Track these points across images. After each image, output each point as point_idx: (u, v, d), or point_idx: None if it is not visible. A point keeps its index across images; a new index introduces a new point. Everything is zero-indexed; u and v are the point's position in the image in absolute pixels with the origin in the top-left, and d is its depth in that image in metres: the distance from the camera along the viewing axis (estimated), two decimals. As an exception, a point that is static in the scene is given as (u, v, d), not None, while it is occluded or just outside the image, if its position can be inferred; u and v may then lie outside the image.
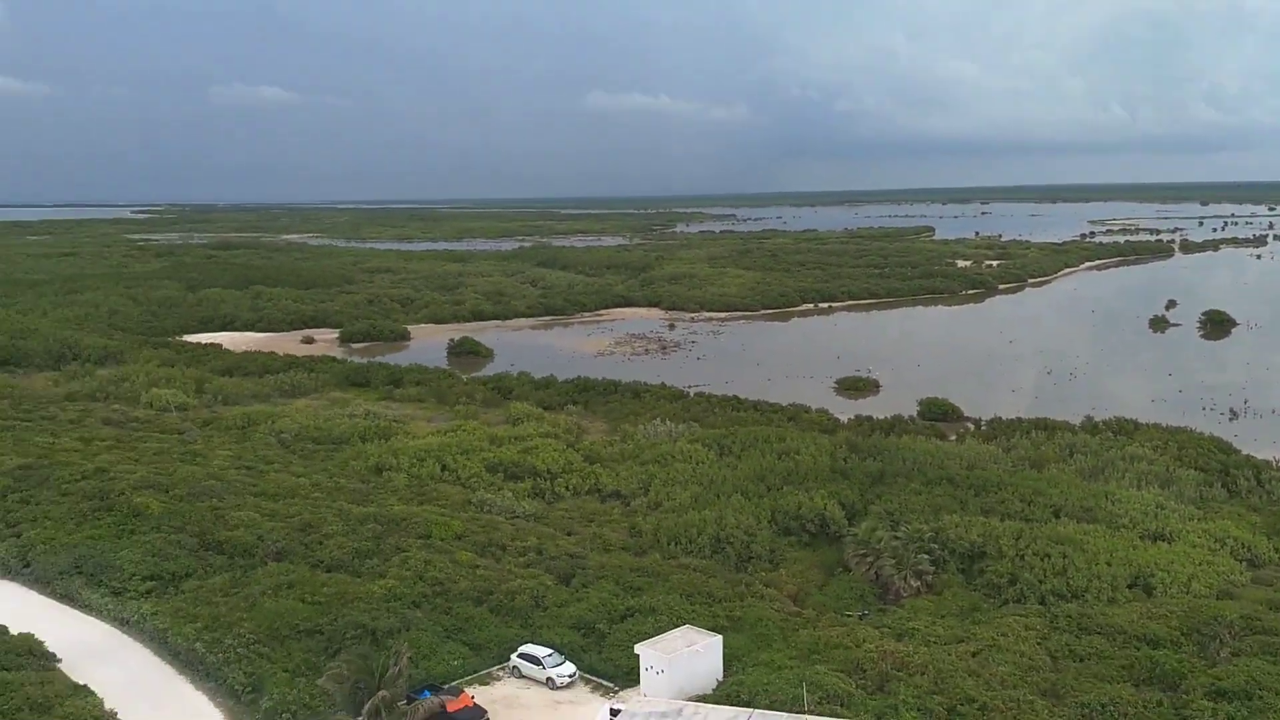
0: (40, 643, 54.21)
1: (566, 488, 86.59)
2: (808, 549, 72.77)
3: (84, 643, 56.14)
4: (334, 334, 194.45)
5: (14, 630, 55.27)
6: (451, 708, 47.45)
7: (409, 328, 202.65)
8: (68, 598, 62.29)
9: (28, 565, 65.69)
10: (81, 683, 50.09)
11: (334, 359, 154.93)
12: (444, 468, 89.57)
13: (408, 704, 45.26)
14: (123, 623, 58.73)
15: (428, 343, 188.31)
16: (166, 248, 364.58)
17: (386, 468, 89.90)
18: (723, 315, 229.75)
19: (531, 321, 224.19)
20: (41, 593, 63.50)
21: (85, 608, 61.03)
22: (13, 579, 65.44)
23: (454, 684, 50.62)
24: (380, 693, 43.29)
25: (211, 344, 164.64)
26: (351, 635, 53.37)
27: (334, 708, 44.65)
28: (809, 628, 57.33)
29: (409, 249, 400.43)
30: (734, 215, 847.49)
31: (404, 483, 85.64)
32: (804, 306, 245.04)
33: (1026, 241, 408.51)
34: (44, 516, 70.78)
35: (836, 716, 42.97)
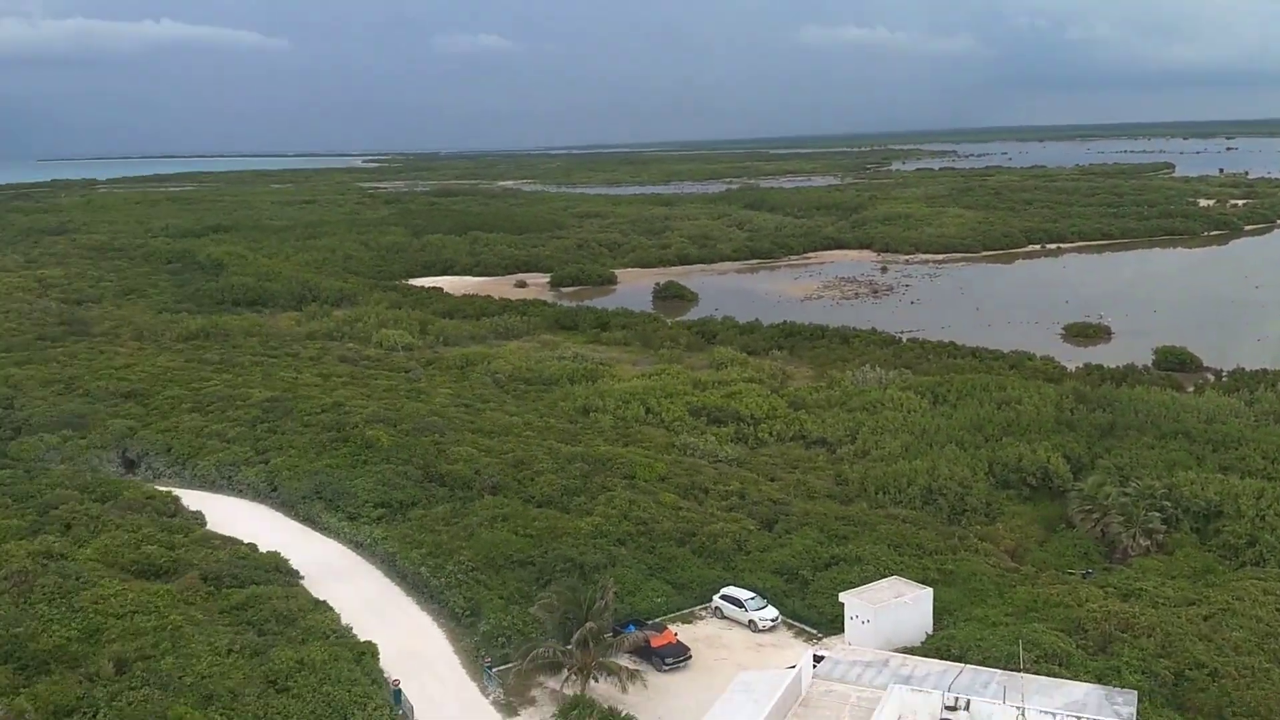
0: (286, 560, 58.94)
1: (770, 433, 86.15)
2: (1027, 503, 69.63)
3: (323, 562, 60.67)
4: (545, 278, 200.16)
5: (263, 548, 60.33)
6: (656, 643, 48.47)
7: (616, 272, 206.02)
8: (309, 520, 67.45)
9: (275, 490, 71.52)
10: (321, 598, 54.18)
11: (545, 303, 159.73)
12: (648, 410, 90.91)
13: (613, 636, 46.50)
14: (357, 545, 63.10)
15: (634, 287, 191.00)
16: (393, 195, 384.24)
17: (593, 409, 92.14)
18: (940, 257, 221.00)
19: (737, 265, 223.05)
20: (287, 515, 69.00)
21: (324, 530, 65.90)
22: (262, 501, 71.46)
23: (657, 620, 51.65)
24: (588, 624, 44.57)
25: (434, 287, 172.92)
26: (561, 568, 55.31)
27: (545, 635, 46.42)
28: (1027, 584, 54.97)
29: (617, 193, 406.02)
30: (954, 151, 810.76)
31: (609, 424, 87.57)
32: (1029, 247, 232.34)
33: (1277, 179, 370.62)
34: (288, 445, 76.68)
35: (1054, 676, 41.05)
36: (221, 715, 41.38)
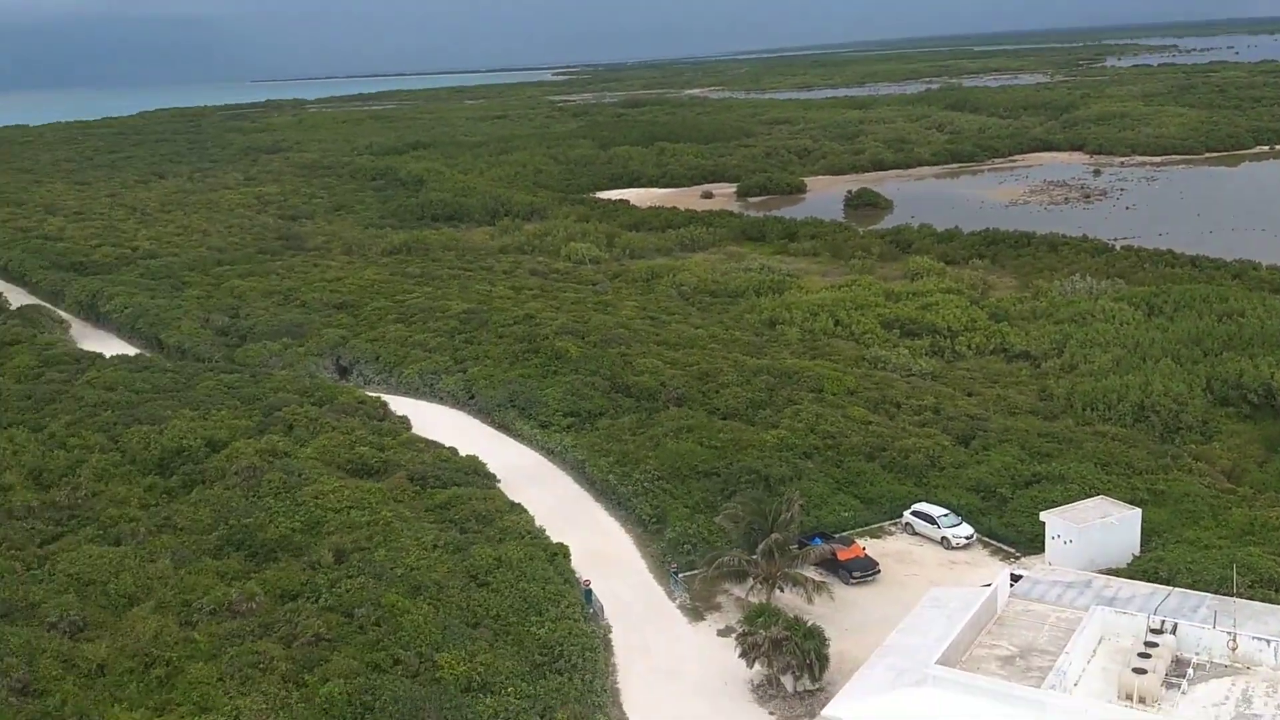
0: (483, 464, 61.56)
1: (968, 346, 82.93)
2: (1247, 422, 64.64)
3: (518, 467, 63.08)
4: (731, 188, 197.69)
5: (463, 452, 63.21)
6: (843, 556, 48.12)
7: (805, 180, 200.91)
8: (504, 427, 70.08)
9: (472, 397, 74.58)
10: (516, 501, 56.48)
11: (731, 213, 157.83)
12: (837, 323, 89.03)
13: (799, 548, 46.46)
14: (549, 452, 65.21)
15: (824, 195, 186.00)
16: (581, 108, 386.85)
17: (779, 321, 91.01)
18: (1158, 159, 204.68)
19: (936, 170, 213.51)
20: (483, 421, 71.94)
21: (518, 437, 68.35)
22: (461, 408, 74.72)
23: (845, 534, 51.21)
24: (773, 535, 44.58)
25: (620, 200, 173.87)
26: (746, 479, 55.44)
27: (730, 544, 46.81)
28: (1244, 506, 51.35)
29: (808, 98, 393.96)
30: (1174, 46, 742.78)
31: (796, 337, 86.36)
32: (1258, 149, 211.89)
33: None
34: (484, 355, 79.59)
35: (1270, 602, 38.35)
36: (429, 604, 44.00)
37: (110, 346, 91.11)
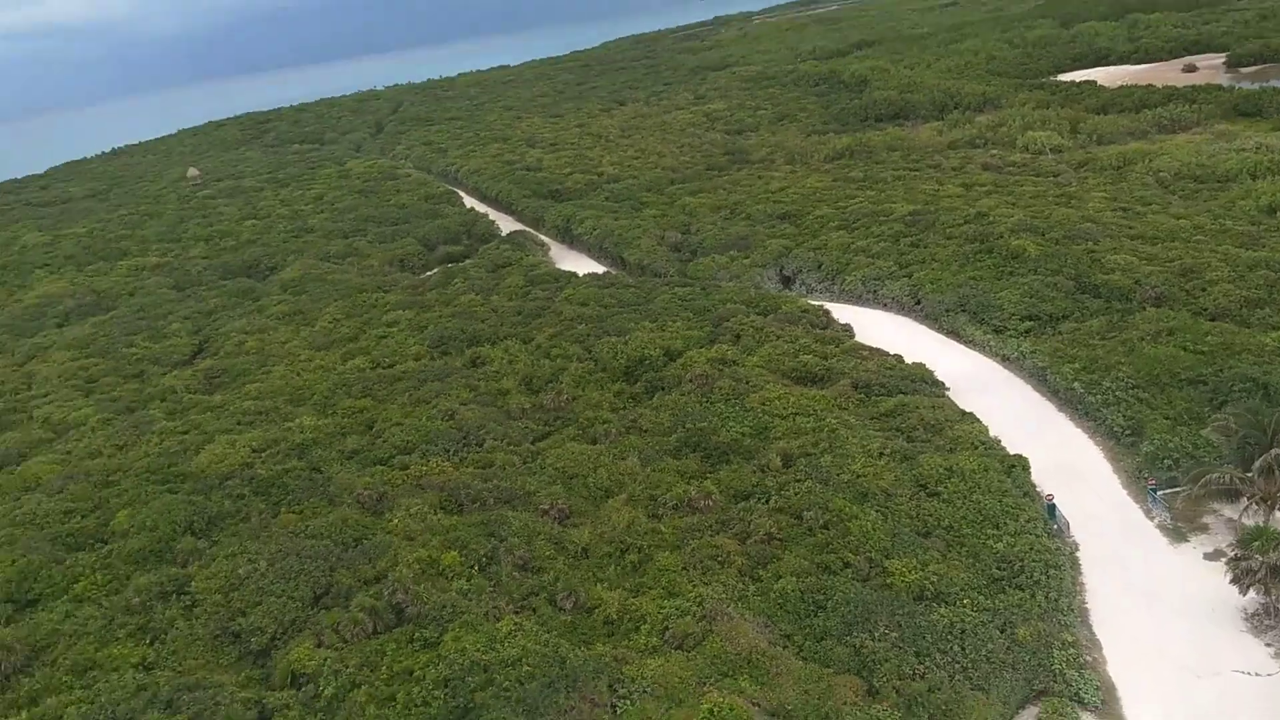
0: (930, 372, 59.81)
1: None
2: None
3: (968, 374, 60.57)
4: (1219, 59, 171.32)
5: (908, 360, 61.88)
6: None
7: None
8: (953, 333, 67.44)
9: (918, 303, 72.45)
10: (968, 410, 54.31)
11: (1219, 87, 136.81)
12: (1367, 202, 74.44)
13: (1308, 468, 40.08)
14: (1003, 359, 61.82)
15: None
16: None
17: (1284, 206, 77.98)
18: None
19: None
20: (930, 328, 69.77)
21: (968, 343, 65.50)
22: (906, 314, 72.97)
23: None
24: (1273, 450, 39.06)
25: (1085, 81, 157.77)
26: (1239, 388, 48.70)
27: (1220, 460, 41.58)
28: None
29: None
30: None
31: (1311, 221, 73.50)
32: None
33: None
34: (931, 259, 76.77)
35: None
36: (877, 512, 43.93)
37: (582, 265, 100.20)
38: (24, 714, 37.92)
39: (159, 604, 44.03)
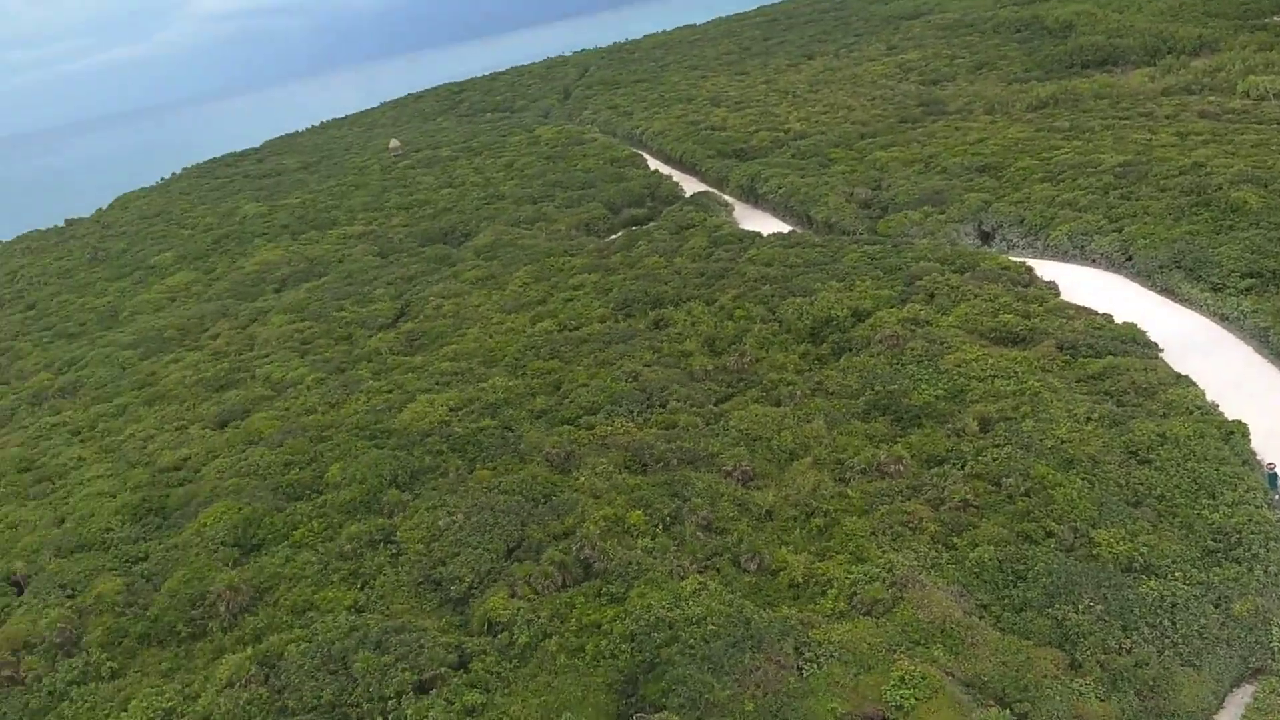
0: (1143, 332, 56.27)
1: None
2: None
3: (1184, 335, 56.71)
4: None
5: (1118, 319, 58.30)
6: None
7: None
8: (1167, 291, 63.14)
9: (1129, 259, 68.05)
10: (1183, 373, 50.82)
11: None
12: None
13: None
14: (1222, 318, 57.51)
15: None
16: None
17: None
18: None
19: None
20: (1142, 285, 65.60)
21: (1184, 301, 61.25)
22: (1116, 271, 68.71)
23: None
24: None
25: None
26: None
27: None
28: None
29: None
30: None
31: None
32: None
33: None
34: (1143, 212, 71.86)
35: None
36: (1083, 479, 41.80)
37: (767, 225, 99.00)
38: (249, 649, 41.12)
39: (368, 551, 46.75)
